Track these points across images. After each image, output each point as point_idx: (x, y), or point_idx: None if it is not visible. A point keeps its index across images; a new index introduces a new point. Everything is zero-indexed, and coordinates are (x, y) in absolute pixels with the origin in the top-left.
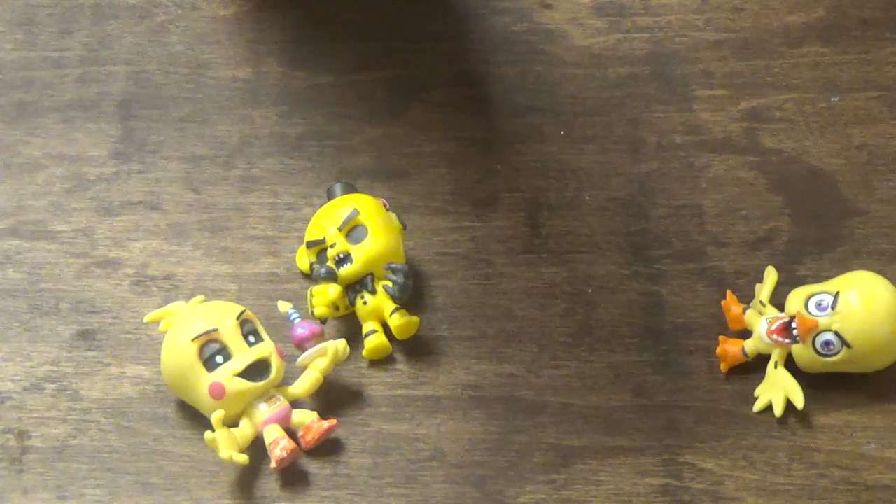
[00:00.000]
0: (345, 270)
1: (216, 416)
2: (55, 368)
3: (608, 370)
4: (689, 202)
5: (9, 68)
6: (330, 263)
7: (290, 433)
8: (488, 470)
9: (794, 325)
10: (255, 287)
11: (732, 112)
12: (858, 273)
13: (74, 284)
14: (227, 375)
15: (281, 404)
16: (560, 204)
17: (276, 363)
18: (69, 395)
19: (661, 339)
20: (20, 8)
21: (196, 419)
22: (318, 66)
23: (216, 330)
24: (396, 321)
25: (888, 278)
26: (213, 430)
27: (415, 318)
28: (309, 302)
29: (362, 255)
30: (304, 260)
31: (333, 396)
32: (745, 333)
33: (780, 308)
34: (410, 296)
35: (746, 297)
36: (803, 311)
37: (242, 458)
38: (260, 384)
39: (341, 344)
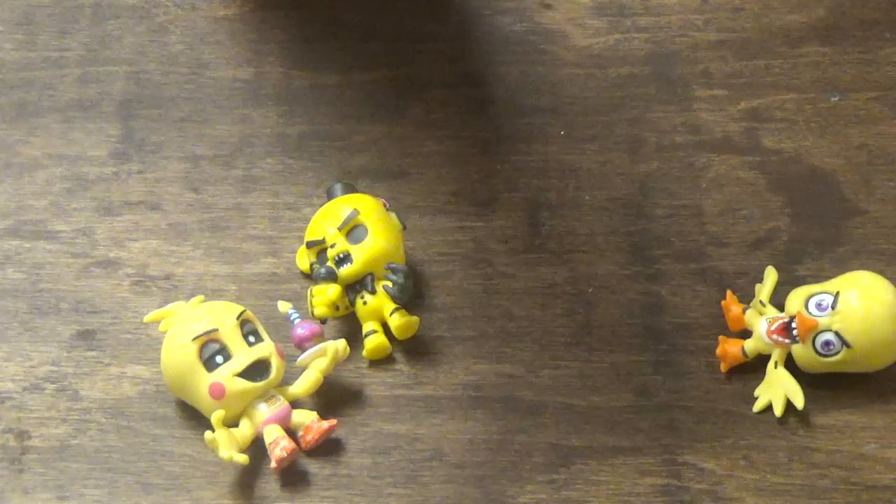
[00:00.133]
0: (345, 270)
1: (216, 416)
2: (55, 368)
3: (608, 370)
4: (689, 202)
5: (9, 68)
6: (330, 263)
7: (290, 433)
8: (488, 470)
9: (794, 325)
10: (255, 287)
11: (732, 112)
12: (858, 273)
13: (74, 284)
14: (227, 375)
15: (281, 404)
16: (560, 204)
17: (276, 363)
18: (69, 395)
19: (661, 339)
20: (20, 8)
21: (196, 419)
22: (318, 65)
23: (216, 330)
24: (396, 321)
25: (888, 278)
26: (213, 430)
27: (415, 318)
28: (309, 302)
29: (362, 255)
30: (304, 260)
31: (333, 396)
32: (745, 333)
33: (780, 308)
34: (410, 296)
35: (746, 297)
36: (803, 311)
37: (242, 458)
38: (260, 384)
39: (341, 344)
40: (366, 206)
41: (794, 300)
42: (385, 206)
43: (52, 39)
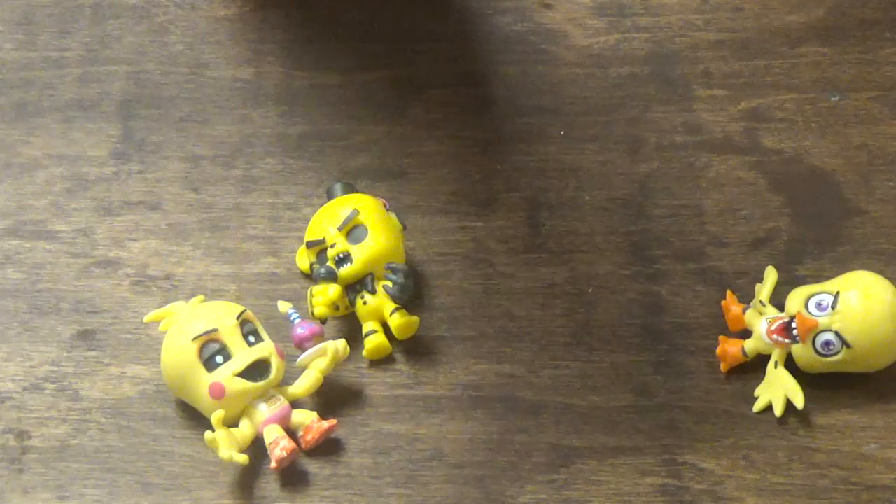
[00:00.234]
0: (345, 270)
1: (216, 416)
2: (55, 368)
3: (608, 370)
4: (689, 202)
5: (9, 68)
6: (330, 263)
7: (290, 433)
8: (488, 470)
9: (794, 325)
10: (255, 287)
11: (732, 112)
12: (858, 273)
13: (74, 284)
14: (227, 375)
15: (281, 404)
16: (560, 204)
17: (276, 363)
18: (69, 395)
19: (661, 339)
20: (20, 8)
21: (196, 419)
22: (318, 65)
23: (216, 330)
24: (396, 321)
25: (888, 278)
26: (213, 430)
27: (415, 318)
28: (309, 302)
29: (362, 255)
30: (304, 260)
31: (333, 396)
32: (745, 333)
33: (780, 308)
34: (410, 296)
35: (746, 297)
36: (803, 311)
37: (242, 458)
38: (260, 384)
39: (341, 344)
40: (366, 206)
41: (794, 300)
42: (385, 206)
43: (52, 39)
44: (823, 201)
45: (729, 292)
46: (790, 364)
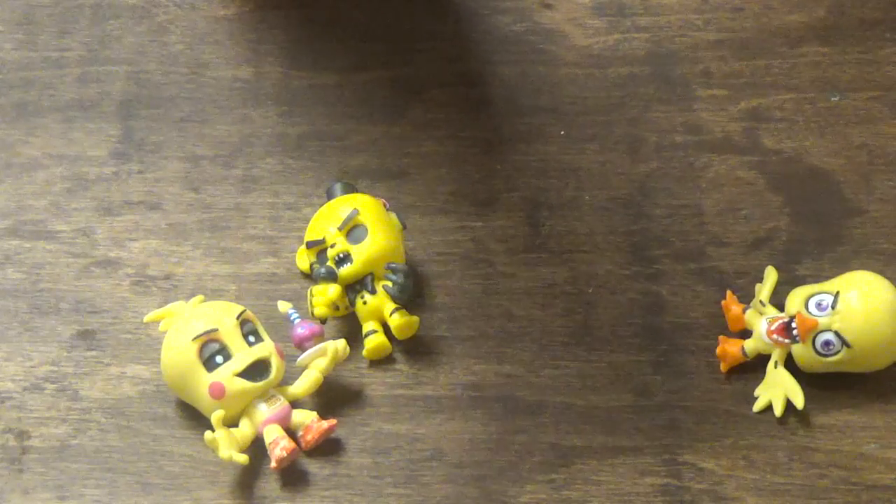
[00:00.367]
0: (345, 270)
1: (216, 416)
2: (55, 368)
3: (608, 370)
4: (689, 202)
5: (9, 68)
6: (330, 263)
7: (290, 433)
8: (488, 470)
9: (794, 324)
10: (255, 287)
11: (732, 112)
12: (858, 273)
13: (74, 284)
14: (227, 375)
15: (281, 404)
16: (560, 204)
17: (276, 363)
18: (69, 395)
19: (661, 338)
20: (20, 8)
21: (196, 419)
22: (318, 65)
23: (216, 330)
24: (396, 321)
25: (888, 278)
26: (213, 430)
27: (415, 318)
28: (309, 302)
29: (362, 255)
30: (304, 260)
31: (333, 396)
32: (745, 333)
33: (780, 308)
34: (410, 296)
35: (746, 297)
36: (803, 311)
37: (242, 458)
38: (260, 384)
39: (341, 344)
40: (366, 206)
41: (794, 300)
42: (385, 206)
43: (52, 39)
44: (823, 201)
45: (729, 292)
46: (790, 364)
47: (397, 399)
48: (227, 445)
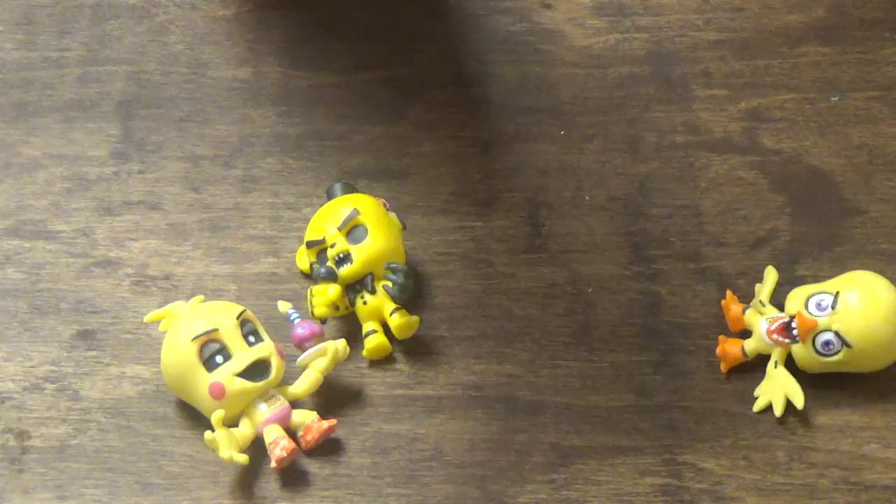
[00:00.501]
0: (345, 270)
1: (216, 416)
2: (55, 368)
3: (608, 370)
4: (688, 202)
5: (9, 68)
6: (330, 263)
7: (290, 433)
8: (488, 470)
9: (794, 324)
10: (255, 287)
11: (732, 112)
12: (858, 273)
13: (74, 284)
14: (227, 375)
15: (281, 404)
16: (560, 204)
17: (276, 363)
18: (69, 395)
19: (661, 338)
20: (20, 8)
21: (196, 419)
22: (317, 65)
23: (216, 330)
24: (396, 321)
25: (888, 278)
26: (213, 430)
27: (415, 318)
28: (309, 302)
29: (362, 255)
30: (304, 260)
31: (333, 396)
32: (745, 333)
33: (780, 308)
34: (410, 296)
35: (746, 297)
36: (803, 311)
37: (242, 458)
38: (260, 384)
39: (341, 344)
40: (366, 206)
41: (794, 300)
42: (385, 205)
43: (52, 39)
44: (823, 201)
45: (729, 292)
46: (790, 364)
47: (397, 399)
48: (227, 445)
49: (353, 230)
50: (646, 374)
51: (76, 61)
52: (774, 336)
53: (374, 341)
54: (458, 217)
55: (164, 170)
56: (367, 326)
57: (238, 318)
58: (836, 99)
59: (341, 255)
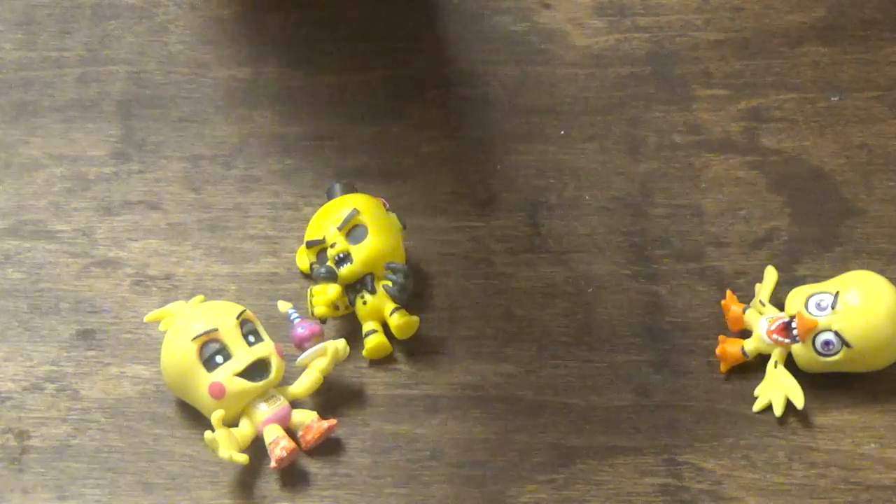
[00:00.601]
0: (345, 270)
1: (216, 416)
2: (55, 368)
3: (608, 370)
4: (688, 202)
5: (9, 68)
6: (330, 263)
7: (290, 433)
8: (488, 470)
9: (793, 324)
10: (255, 287)
11: (732, 112)
12: (858, 273)
13: (74, 284)
14: (227, 375)
15: (281, 404)
16: (560, 204)
17: (276, 363)
18: (69, 395)
19: (661, 338)
20: (20, 8)
21: (196, 419)
22: (317, 66)
23: (216, 330)
24: (396, 321)
25: (888, 278)
26: (213, 430)
27: (415, 318)
28: (309, 302)
29: (362, 255)
30: (304, 260)
31: (333, 396)
32: (745, 333)
33: (780, 308)
34: (410, 295)
35: (746, 297)
36: (803, 311)
37: (242, 458)
38: (260, 384)
39: (341, 344)
40: (366, 206)
41: (794, 300)
42: (385, 206)
43: (52, 39)
44: (823, 201)
45: (729, 292)
46: (790, 364)
47: (397, 399)
48: (227, 445)
49: (352, 230)
50: (645, 374)
51: (76, 61)
52: (774, 336)
53: (374, 341)
54: (458, 217)
55: (163, 170)
56: (367, 326)
57: (238, 317)
58: (836, 99)
59: (341, 255)
